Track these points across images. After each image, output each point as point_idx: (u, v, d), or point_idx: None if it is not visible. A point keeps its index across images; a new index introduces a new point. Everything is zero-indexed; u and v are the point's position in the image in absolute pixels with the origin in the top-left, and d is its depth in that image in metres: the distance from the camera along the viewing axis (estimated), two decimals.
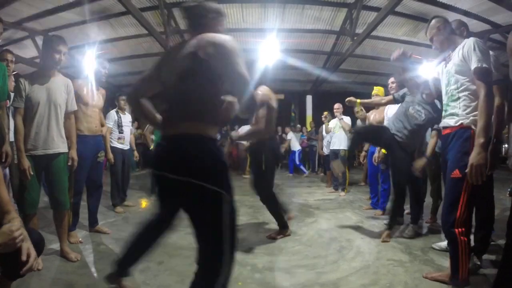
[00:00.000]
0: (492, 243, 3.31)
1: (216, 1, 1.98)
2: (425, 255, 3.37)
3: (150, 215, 2.25)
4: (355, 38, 8.21)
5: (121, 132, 5.54)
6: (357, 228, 4.37)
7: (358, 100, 4.36)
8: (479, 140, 2.21)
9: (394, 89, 4.59)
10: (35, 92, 2.95)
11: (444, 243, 3.48)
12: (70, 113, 3.29)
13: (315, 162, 11.89)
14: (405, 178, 3.82)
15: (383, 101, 4.22)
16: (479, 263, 2.89)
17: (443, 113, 2.64)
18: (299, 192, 7.75)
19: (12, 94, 3.18)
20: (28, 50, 8.62)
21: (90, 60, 4.27)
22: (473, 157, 2.21)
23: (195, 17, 1.97)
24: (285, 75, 12.51)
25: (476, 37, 2.57)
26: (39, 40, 8.06)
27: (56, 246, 3.26)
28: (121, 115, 5.61)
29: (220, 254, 1.73)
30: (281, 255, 3.42)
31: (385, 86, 4.84)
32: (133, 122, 7.94)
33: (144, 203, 6.26)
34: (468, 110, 2.40)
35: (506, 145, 2.24)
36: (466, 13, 7.19)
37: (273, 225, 4.58)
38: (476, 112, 2.32)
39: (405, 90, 4.08)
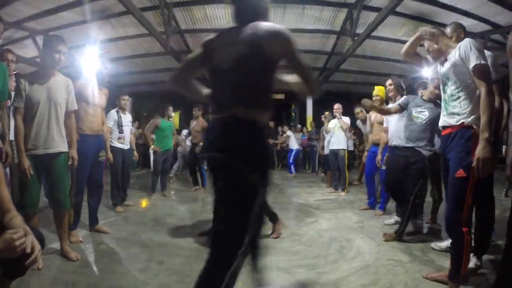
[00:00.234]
0: (492, 243, 3.31)
1: (216, 1, 2.00)
2: (425, 255, 3.37)
3: None
4: (356, 38, 8.21)
5: (121, 132, 5.54)
6: (357, 228, 4.37)
7: (376, 106, 4.34)
8: (484, 135, 2.23)
9: (392, 91, 4.59)
10: (35, 92, 2.96)
11: (444, 243, 3.48)
12: (70, 113, 3.29)
13: (316, 162, 11.89)
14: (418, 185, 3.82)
15: (392, 110, 4.21)
16: (479, 263, 2.89)
17: (443, 113, 2.64)
18: (299, 192, 7.75)
19: (12, 94, 3.19)
20: (29, 50, 8.62)
21: (92, 60, 4.28)
22: (479, 151, 2.23)
23: (248, 5, 2.01)
24: None
25: (477, 37, 2.59)
26: (40, 39, 8.06)
27: (56, 245, 3.26)
28: (121, 114, 5.62)
29: (241, 241, 1.70)
30: (281, 255, 3.42)
31: (385, 86, 4.84)
32: (133, 122, 7.96)
33: (144, 202, 6.27)
34: (469, 109, 2.40)
35: (505, 148, 2.25)
36: (466, 14, 7.20)
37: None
38: (477, 113, 2.33)
39: (405, 97, 4.18)
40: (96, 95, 3.91)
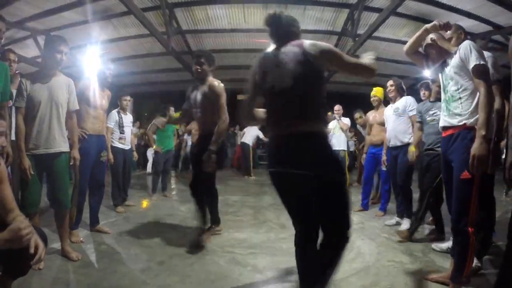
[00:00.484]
0: (493, 244, 3.31)
1: (218, 1, 2.04)
2: (425, 257, 3.37)
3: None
4: (357, 39, 8.20)
5: (122, 132, 5.55)
6: (357, 229, 4.37)
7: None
8: (480, 132, 2.24)
9: (393, 92, 4.60)
10: (36, 92, 2.96)
11: (444, 244, 3.48)
12: (72, 113, 3.30)
13: None
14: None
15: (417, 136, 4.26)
16: (479, 264, 2.89)
17: (443, 113, 2.64)
18: None
19: (14, 94, 3.19)
20: (30, 50, 8.63)
21: (94, 61, 4.29)
22: (475, 148, 2.24)
23: (284, 26, 2.22)
24: None
25: (478, 38, 2.59)
26: (41, 39, 8.07)
27: (57, 245, 3.26)
28: (123, 115, 5.62)
29: (348, 227, 2.08)
30: (282, 255, 3.41)
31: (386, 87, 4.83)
32: (134, 122, 7.96)
33: (145, 203, 6.28)
34: (471, 109, 2.40)
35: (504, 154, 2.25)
36: (467, 14, 7.19)
37: (275, 225, 4.60)
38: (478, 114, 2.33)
39: (416, 108, 4.30)
40: (98, 97, 3.92)
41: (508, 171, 1.94)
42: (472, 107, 2.40)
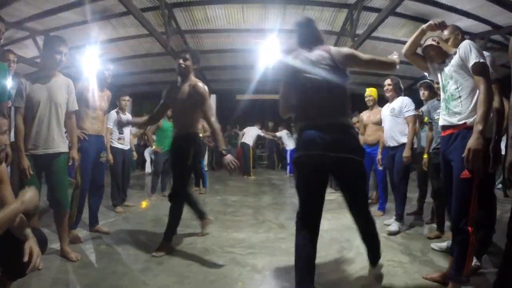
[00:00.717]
0: (492, 243, 3.31)
1: (217, 1, 2.05)
2: (424, 256, 3.38)
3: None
4: (356, 39, 8.20)
5: (121, 132, 5.55)
6: (356, 229, 4.36)
7: (426, 119, 4.37)
8: (477, 127, 2.25)
9: (391, 91, 4.59)
10: (35, 92, 2.97)
11: (443, 244, 3.48)
12: (71, 113, 3.30)
13: None
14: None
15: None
16: (479, 263, 2.90)
17: (443, 113, 2.64)
18: None
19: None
20: (29, 50, 8.62)
21: (93, 61, 4.29)
22: (471, 142, 2.25)
23: (312, 32, 2.64)
24: None
25: (477, 38, 2.60)
26: (40, 40, 8.06)
27: (56, 245, 3.26)
28: (122, 115, 5.62)
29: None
30: (281, 255, 3.42)
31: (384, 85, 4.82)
32: None
33: (144, 203, 6.28)
34: (471, 108, 2.41)
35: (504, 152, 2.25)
36: (466, 14, 7.19)
37: (274, 225, 4.60)
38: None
39: (426, 106, 4.32)
40: (97, 97, 3.92)
41: (508, 171, 1.95)
42: (472, 105, 2.41)
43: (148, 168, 11.38)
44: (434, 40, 2.65)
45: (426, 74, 2.99)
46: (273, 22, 8.30)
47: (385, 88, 4.69)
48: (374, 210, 5.37)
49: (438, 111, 3.86)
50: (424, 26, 2.64)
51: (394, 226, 4.24)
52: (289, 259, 3.30)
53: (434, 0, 6.90)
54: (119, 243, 3.71)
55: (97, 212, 4.12)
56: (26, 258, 1.72)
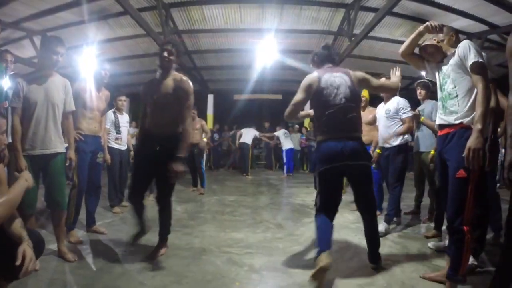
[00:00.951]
0: (490, 242, 3.33)
1: (214, 1, 2.05)
2: (422, 255, 3.39)
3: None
4: (353, 38, 8.21)
5: (118, 132, 5.53)
6: (354, 229, 4.38)
7: (422, 118, 4.35)
8: (477, 126, 2.26)
9: None
10: (32, 92, 2.96)
11: (441, 243, 3.50)
12: (68, 113, 3.29)
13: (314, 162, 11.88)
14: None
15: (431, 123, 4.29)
16: (476, 262, 2.90)
17: (440, 111, 2.65)
18: (297, 192, 7.75)
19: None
20: (26, 50, 8.60)
21: (90, 61, 4.28)
22: (471, 141, 2.25)
23: (333, 54, 3.20)
24: (283, 76, 12.50)
25: (474, 37, 2.61)
26: (37, 40, 8.04)
27: (53, 246, 3.25)
28: (119, 115, 5.60)
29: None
30: (279, 255, 3.42)
31: None
32: (130, 122, 7.94)
33: None
34: (467, 107, 2.42)
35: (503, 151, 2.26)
36: (463, 14, 7.21)
37: (271, 225, 4.61)
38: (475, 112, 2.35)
39: (431, 104, 4.33)
40: (94, 97, 3.91)
41: (507, 171, 1.95)
42: (469, 105, 2.42)
43: None
44: (435, 40, 2.67)
45: (423, 73, 3.00)
46: (270, 22, 8.31)
47: None
48: None
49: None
50: (421, 28, 2.65)
51: (381, 227, 4.01)
52: (287, 259, 3.32)
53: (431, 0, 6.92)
54: (116, 244, 3.70)
55: (94, 213, 4.11)
56: (18, 262, 1.71)
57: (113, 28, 8.52)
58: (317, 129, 3.16)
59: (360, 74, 3.04)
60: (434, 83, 2.90)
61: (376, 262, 3.04)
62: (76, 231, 3.80)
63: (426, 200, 4.95)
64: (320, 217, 2.92)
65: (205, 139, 8.25)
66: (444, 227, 3.89)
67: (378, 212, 5.10)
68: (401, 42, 2.91)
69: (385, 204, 4.91)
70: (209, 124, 13.34)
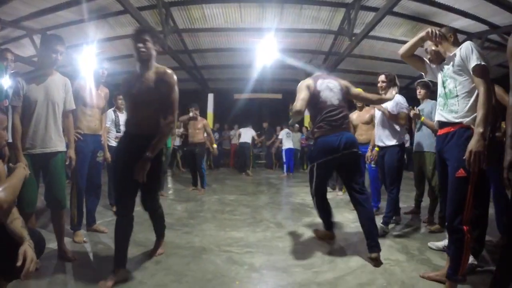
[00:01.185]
0: (489, 242, 3.33)
1: (214, 0, 2.04)
2: (421, 255, 3.39)
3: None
4: (353, 38, 8.21)
5: (118, 131, 5.52)
6: (354, 228, 4.38)
7: (422, 118, 4.33)
8: (478, 129, 2.27)
9: (385, 88, 4.33)
10: (33, 91, 2.95)
11: (440, 243, 3.49)
12: (68, 112, 3.29)
13: None
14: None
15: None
16: (476, 262, 2.91)
17: (440, 108, 2.65)
18: (297, 191, 7.75)
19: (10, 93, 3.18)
20: (26, 49, 8.60)
21: (89, 60, 4.27)
22: (472, 144, 2.26)
23: (321, 67, 3.88)
24: (283, 75, 12.49)
25: (474, 37, 2.61)
26: (37, 38, 8.04)
27: (53, 245, 3.25)
28: (119, 114, 5.60)
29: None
30: (278, 254, 3.43)
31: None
32: None
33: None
34: (467, 108, 2.43)
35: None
36: (464, 14, 7.21)
37: (271, 224, 4.61)
38: (475, 113, 2.35)
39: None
40: (94, 95, 3.91)
41: (507, 171, 1.95)
42: (468, 106, 2.43)
43: None
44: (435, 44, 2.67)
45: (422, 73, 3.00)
46: (270, 21, 8.30)
47: (378, 85, 4.46)
48: None
49: None
50: (423, 34, 2.64)
51: (379, 229, 4.03)
52: (287, 258, 3.33)
53: None
54: None
55: (94, 212, 4.11)
56: (19, 263, 1.71)
57: (113, 27, 8.51)
58: (315, 126, 3.52)
59: (344, 81, 3.70)
60: (434, 83, 2.91)
61: (375, 251, 3.14)
62: (81, 231, 3.80)
63: (426, 200, 4.95)
64: (322, 201, 3.73)
65: (215, 146, 8.26)
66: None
67: (375, 212, 5.12)
68: (402, 42, 2.92)
69: (383, 204, 4.93)
70: (209, 123, 13.34)
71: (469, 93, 2.44)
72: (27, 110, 2.95)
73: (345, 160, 3.37)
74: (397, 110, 4.28)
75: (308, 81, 3.54)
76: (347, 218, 4.95)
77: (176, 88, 2.87)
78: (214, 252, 3.47)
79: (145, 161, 2.64)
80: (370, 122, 5.06)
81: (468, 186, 2.37)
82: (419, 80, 4.59)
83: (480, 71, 2.35)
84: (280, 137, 11.91)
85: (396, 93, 3.99)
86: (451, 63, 2.54)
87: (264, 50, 9.09)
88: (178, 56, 9.84)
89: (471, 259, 2.81)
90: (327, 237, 3.91)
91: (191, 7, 7.94)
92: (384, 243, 3.73)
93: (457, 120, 2.47)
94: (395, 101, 4.28)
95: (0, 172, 2.05)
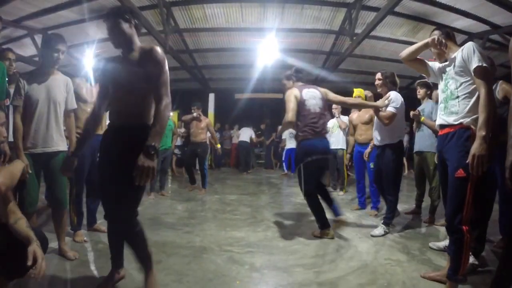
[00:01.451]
0: (490, 242, 3.32)
1: (215, 0, 2.03)
2: (422, 255, 3.39)
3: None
4: (354, 38, 8.19)
5: None
6: (355, 228, 4.38)
7: (422, 118, 4.32)
8: (480, 133, 2.26)
9: (381, 86, 4.34)
10: (34, 90, 2.96)
11: (441, 243, 3.49)
12: (69, 112, 3.29)
13: None
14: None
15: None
16: (476, 262, 2.90)
17: (441, 112, 2.65)
18: (298, 191, 7.68)
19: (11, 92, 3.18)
20: (27, 49, 8.60)
21: (89, 59, 4.27)
22: (475, 147, 2.26)
23: (304, 76, 4.51)
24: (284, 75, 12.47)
25: (475, 37, 2.60)
26: (38, 38, 8.04)
27: (54, 244, 3.25)
28: None
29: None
30: (279, 254, 3.43)
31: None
32: None
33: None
34: (468, 108, 2.43)
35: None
36: (465, 14, 7.20)
37: (272, 224, 4.61)
38: (476, 114, 2.35)
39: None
40: (93, 94, 3.91)
41: (509, 172, 1.95)
42: (469, 107, 2.43)
43: None
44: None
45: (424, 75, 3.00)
46: (271, 21, 8.29)
47: (375, 83, 4.44)
48: (367, 209, 5.40)
49: None
50: (429, 40, 2.64)
51: (380, 229, 4.08)
52: (288, 258, 3.32)
53: None
54: None
55: (95, 211, 4.10)
56: (30, 262, 1.71)
57: None
58: (300, 131, 4.01)
59: (323, 89, 4.26)
60: (435, 83, 2.91)
61: (339, 214, 4.21)
62: (82, 231, 3.80)
63: (427, 200, 4.94)
64: (313, 199, 4.06)
65: (219, 146, 8.27)
66: None
67: (374, 212, 5.14)
68: (403, 42, 2.93)
69: (383, 204, 4.93)
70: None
71: (470, 94, 2.44)
72: (29, 110, 2.95)
73: (324, 162, 4.14)
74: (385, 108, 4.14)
75: (295, 91, 4.05)
76: (347, 218, 4.94)
77: (166, 67, 2.41)
78: (215, 251, 3.47)
79: (148, 153, 2.09)
80: (370, 122, 5.07)
81: (467, 186, 2.37)
82: (419, 81, 4.59)
83: (481, 72, 2.34)
84: (283, 137, 11.92)
85: (391, 99, 4.06)
86: (453, 64, 2.54)
87: (265, 50, 9.07)
88: (179, 56, 9.83)
89: (471, 259, 2.81)
90: (325, 236, 3.97)
91: (192, 7, 7.93)
92: (385, 243, 3.74)
93: (457, 122, 2.48)
94: (389, 98, 4.14)
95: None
